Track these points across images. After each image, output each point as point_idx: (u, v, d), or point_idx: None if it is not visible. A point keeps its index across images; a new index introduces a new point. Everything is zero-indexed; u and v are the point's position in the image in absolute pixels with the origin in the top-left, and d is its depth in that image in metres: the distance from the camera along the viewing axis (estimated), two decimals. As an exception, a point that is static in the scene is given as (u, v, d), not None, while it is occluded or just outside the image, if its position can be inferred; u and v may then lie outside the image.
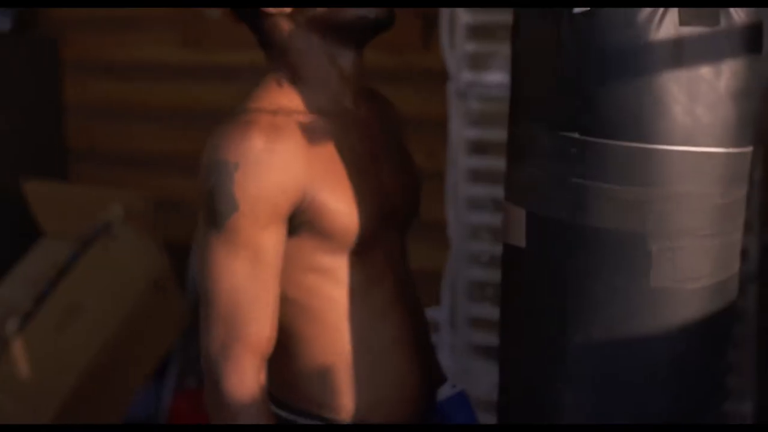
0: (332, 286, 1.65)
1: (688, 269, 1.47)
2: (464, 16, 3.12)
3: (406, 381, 1.71)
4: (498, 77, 3.10)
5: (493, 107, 3.12)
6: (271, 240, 1.58)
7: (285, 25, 1.69)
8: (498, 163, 3.06)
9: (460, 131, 3.18)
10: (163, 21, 4.02)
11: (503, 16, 3.05)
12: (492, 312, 3.12)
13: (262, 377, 1.59)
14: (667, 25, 1.41)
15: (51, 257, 3.47)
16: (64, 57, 4.40)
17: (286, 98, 1.67)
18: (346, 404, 1.67)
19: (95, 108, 4.27)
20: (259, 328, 1.58)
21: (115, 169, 4.21)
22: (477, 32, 3.13)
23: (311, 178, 1.60)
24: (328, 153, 1.64)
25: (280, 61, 1.70)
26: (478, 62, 3.15)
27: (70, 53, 4.38)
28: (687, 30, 1.42)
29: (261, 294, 1.58)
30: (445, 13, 3.14)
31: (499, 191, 3.07)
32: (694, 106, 1.43)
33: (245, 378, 1.57)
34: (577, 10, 1.43)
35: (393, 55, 3.77)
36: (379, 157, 1.73)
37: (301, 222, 1.61)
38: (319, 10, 1.66)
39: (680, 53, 1.42)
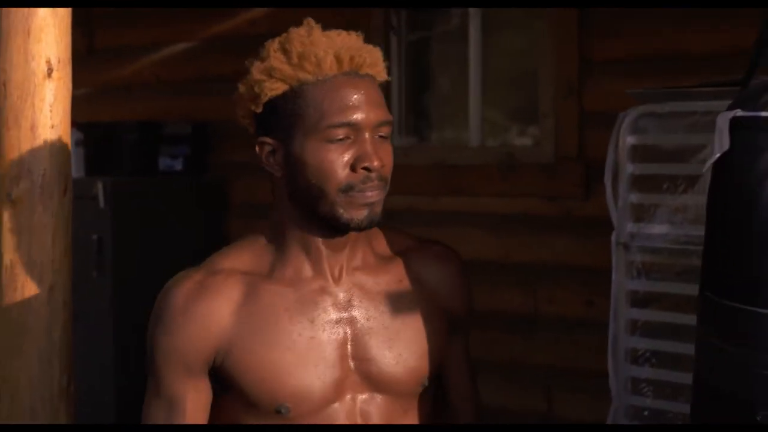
0: None
1: None
2: (629, 166, 3.09)
3: None
4: (662, 229, 3.05)
5: (656, 259, 3.07)
6: (188, 393, 1.68)
7: (278, 184, 1.74)
8: (661, 316, 2.99)
9: (622, 283, 3.12)
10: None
11: (668, 167, 3.02)
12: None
13: None
14: None
15: None
16: (231, 199, 4.52)
17: (242, 260, 1.73)
18: None
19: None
20: None
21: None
22: (641, 183, 3.10)
23: (233, 340, 1.67)
24: (268, 318, 1.68)
25: (269, 216, 1.76)
26: (641, 213, 3.10)
27: (236, 196, 4.51)
28: None
29: None
30: (609, 162, 3.13)
31: (661, 345, 2.99)
32: None
33: None
34: None
35: (554, 203, 3.76)
36: (352, 326, 1.72)
37: (223, 382, 1.69)
38: (301, 193, 1.69)
39: None
